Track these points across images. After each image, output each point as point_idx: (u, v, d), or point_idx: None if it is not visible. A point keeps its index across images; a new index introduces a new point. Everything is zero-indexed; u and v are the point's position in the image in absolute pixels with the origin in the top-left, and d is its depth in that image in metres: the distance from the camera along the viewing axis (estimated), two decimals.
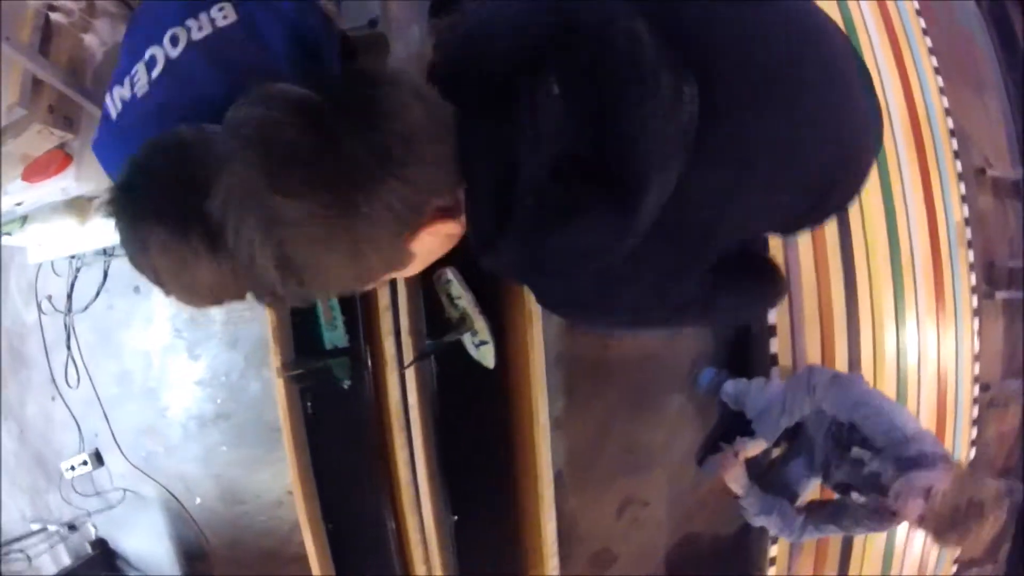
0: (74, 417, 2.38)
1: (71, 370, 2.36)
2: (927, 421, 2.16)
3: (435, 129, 0.51)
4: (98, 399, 2.33)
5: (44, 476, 2.49)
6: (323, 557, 1.35)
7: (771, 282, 0.88)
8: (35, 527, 2.44)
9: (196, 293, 0.68)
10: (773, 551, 2.03)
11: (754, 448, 1.63)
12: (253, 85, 0.53)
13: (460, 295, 1.25)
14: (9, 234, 1.99)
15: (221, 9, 0.79)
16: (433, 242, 0.56)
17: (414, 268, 0.60)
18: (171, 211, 0.63)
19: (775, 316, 1.94)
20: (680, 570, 2.18)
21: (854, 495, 1.55)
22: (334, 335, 1.31)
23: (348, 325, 1.30)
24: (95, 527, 2.42)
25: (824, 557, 2.11)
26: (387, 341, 1.26)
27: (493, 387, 1.27)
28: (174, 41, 0.78)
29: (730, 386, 1.89)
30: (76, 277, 2.33)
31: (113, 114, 0.81)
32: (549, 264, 0.57)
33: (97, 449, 2.38)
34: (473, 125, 0.53)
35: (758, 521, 1.74)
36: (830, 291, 2.05)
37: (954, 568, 2.46)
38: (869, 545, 2.16)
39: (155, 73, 0.78)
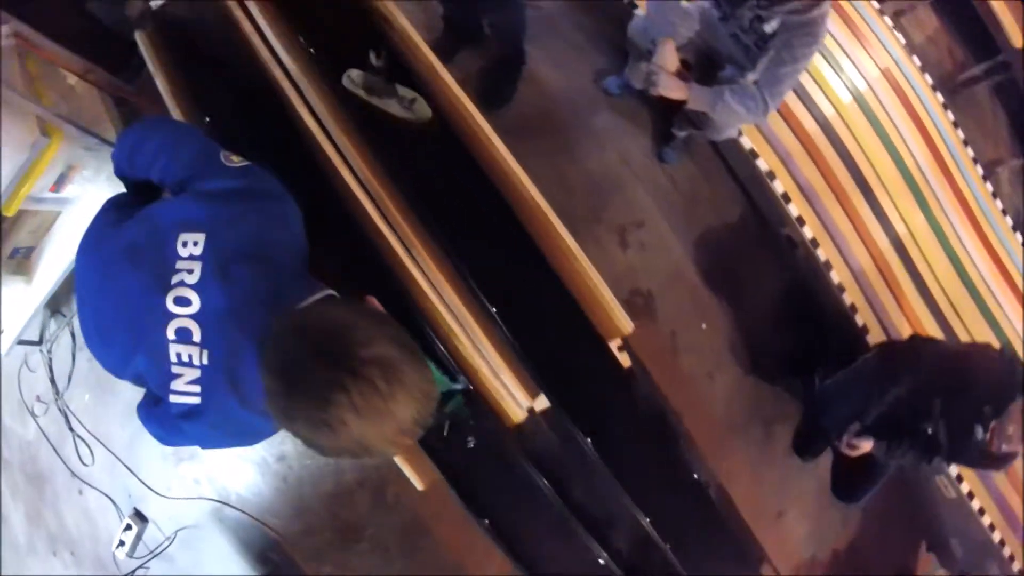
0: (103, 493, 2.28)
1: (82, 449, 2.30)
2: None
3: None
4: (114, 455, 2.25)
5: None
6: None
7: None
8: None
9: (402, 431, 0.67)
10: (778, 187, 1.92)
11: (665, 47, 1.61)
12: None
13: (372, 81, 1.33)
14: None
15: (185, 244, 0.76)
16: None
17: None
18: (340, 374, 0.64)
19: None
20: (718, 275, 2.05)
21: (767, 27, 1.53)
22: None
23: (440, 364, 1.23)
24: None
25: (836, 184, 1.99)
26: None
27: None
28: (183, 302, 0.75)
29: (630, 67, 1.90)
30: (51, 359, 2.35)
31: (197, 400, 0.77)
32: None
33: (135, 508, 2.25)
34: None
35: (723, 123, 1.69)
36: None
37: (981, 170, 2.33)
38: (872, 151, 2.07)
39: (197, 337, 0.75)
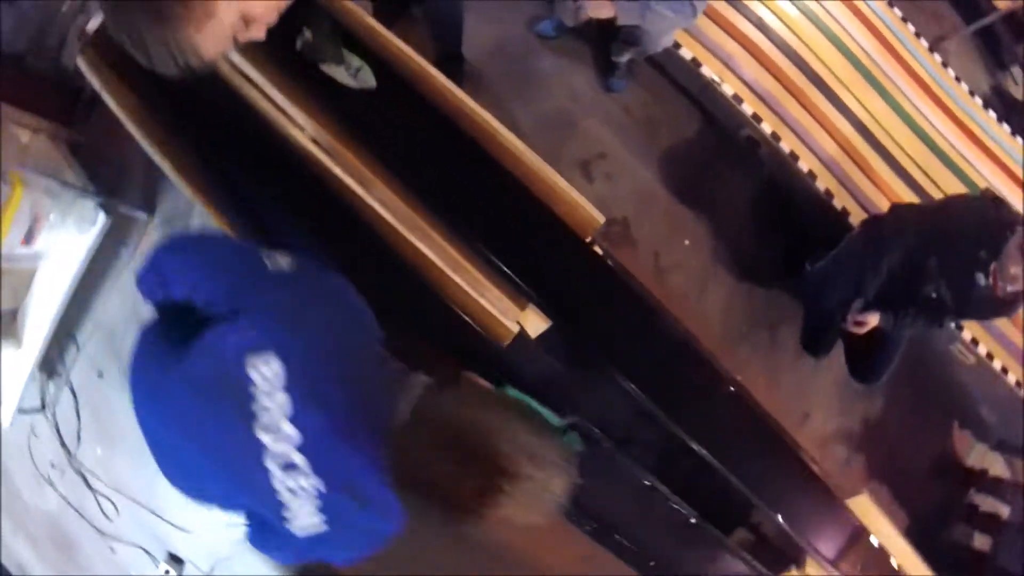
0: (134, 544, 2.25)
1: (105, 505, 2.28)
2: None
3: None
4: (137, 503, 2.23)
5: None
6: None
7: None
8: None
9: (560, 502, 0.67)
10: (728, 90, 1.92)
11: None
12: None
13: (317, 44, 1.30)
14: None
15: (258, 369, 0.71)
16: None
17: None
18: (495, 479, 0.64)
19: None
20: (689, 189, 2.06)
21: None
22: None
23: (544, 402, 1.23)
24: None
25: (784, 76, 2.00)
26: None
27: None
28: (279, 434, 0.71)
29: (558, 5, 1.93)
30: (56, 423, 2.34)
31: (325, 528, 0.75)
32: None
33: (168, 552, 2.22)
34: None
35: (656, 32, 1.70)
36: None
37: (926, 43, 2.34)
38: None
39: (306, 467, 0.71)
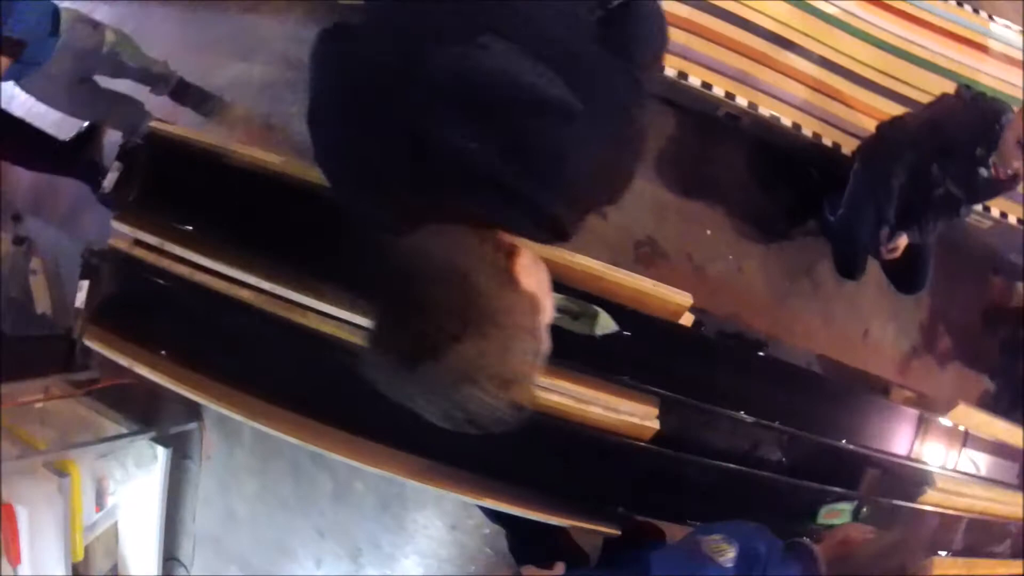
0: None
1: None
2: None
3: None
4: None
5: None
6: None
7: None
8: None
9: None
10: (695, 82, 1.93)
11: None
12: None
13: (572, 305, 1.21)
14: None
15: None
16: (531, 272, 0.62)
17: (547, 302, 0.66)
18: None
19: None
20: (692, 182, 2.10)
21: None
22: None
23: None
24: None
25: (738, 44, 2.01)
26: None
27: None
28: None
29: None
30: None
31: None
32: None
33: None
34: None
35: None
36: None
37: None
38: None
39: None
